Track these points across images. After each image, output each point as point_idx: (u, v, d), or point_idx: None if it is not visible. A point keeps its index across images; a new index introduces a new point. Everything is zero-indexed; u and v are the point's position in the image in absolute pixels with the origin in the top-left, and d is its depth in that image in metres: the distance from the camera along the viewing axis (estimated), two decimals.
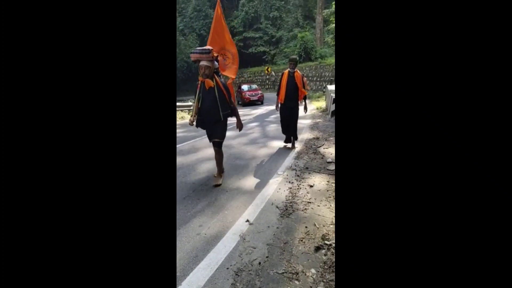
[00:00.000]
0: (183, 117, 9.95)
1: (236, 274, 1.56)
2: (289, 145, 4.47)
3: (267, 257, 1.70)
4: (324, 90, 13.16)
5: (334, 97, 7.27)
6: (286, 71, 4.14)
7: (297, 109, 4.26)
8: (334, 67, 15.37)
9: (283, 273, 1.56)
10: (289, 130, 4.34)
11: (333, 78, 15.30)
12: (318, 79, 16.70)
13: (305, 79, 10.96)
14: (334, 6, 11.71)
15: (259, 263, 1.65)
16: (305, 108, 4.55)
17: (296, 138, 4.51)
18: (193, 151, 4.49)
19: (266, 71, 21.34)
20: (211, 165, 3.69)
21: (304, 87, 4.14)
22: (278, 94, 4.23)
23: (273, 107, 12.01)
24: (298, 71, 4.15)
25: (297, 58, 4.24)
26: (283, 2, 24.28)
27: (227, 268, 1.61)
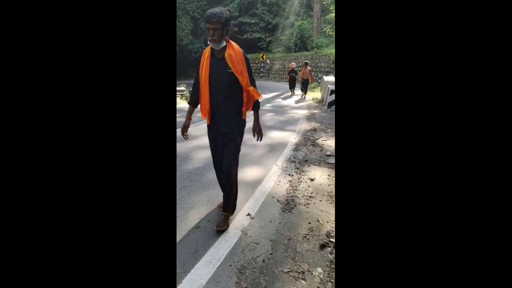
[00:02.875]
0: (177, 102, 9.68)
1: (240, 272, 1.49)
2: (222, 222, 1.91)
3: (271, 254, 1.64)
4: (319, 81, 13.04)
5: (331, 88, 7.19)
6: (207, 49, 1.73)
7: (236, 138, 1.83)
8: (330, 57, 15.21)
9: (288, 271, 1.50)
10: (221, 182, 1.99)
11: (329, 69, 15.18)
12: (314, 70, 16.53)
13: (308, 68, 9.91)
14: None
15: (263, 260, 1.58)
16: (258, 132, 1.89)
17: (230, 204, 1.92)
18: (189, 138, 4.33)
19: (261, 59, 20.97)
20: (208, 153, 3.56)
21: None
22: (191, 102, 1.93)
23: (267, 95, 11.98)
24: (234, 44, 1.72)
25: (226, 14, 1.61)
26: None
27: (230, 265, 1.54)
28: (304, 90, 10.35)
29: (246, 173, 2.92)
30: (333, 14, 11.98)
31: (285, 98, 10.31)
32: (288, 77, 10.97)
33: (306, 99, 9.91)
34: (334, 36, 14.56)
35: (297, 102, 9.44)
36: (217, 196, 2.38)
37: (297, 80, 10.97)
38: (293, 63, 11.44)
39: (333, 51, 15.43)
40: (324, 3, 16.85)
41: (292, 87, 11.12)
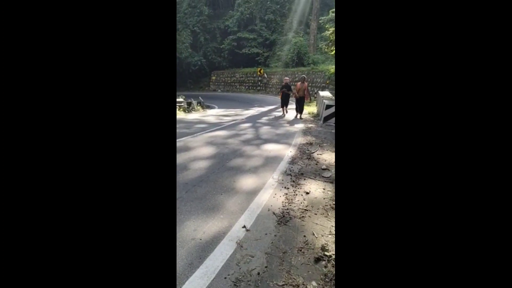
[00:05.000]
0: None
1: (235, 285, 1.48)
2: None
3: (266, 267, 1.64)
4: (315, 95, 13.26)
5: (326, 103, 7.33)
6: None
7: None
8: (325, 73, 15.55)
9: (283, 285, 1.49)
10: None
11: (324, 85, 15.49)
12: (310, 85, 16.86)
13: (305, 84, 8.21)
14: (330, 13, 11.84)
15: (258, 273, 1.58)
16: None
17: None
18: (185, 149, 4.36)
19: (259, 73, 21.33)
20: (205, 165, 3.58)
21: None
22: None
23: (264, 108, 11.87)
24: None
25: None
26: (278, 6, 24.37)
27: (225, 278, 1.53)
28: (299, 109, 8.48)
29: (242, 185, 2.93)
30: (329, 32, 12.28)
31: (276, 119, 8.53)
32: (281, 93, 9.03)
33: (301, 118, 8.37)
34: (330, 52, 14.77)
35: (291, 121, 7.97)
36: (213, 207, 2.38)
37: (291, 97, 9.15)
38: (287, 78, 9.82)
39: (329, 67, 15.81)
40: (320, 21, 17.40)
41: (284, 105, 9.10)
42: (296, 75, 17.47)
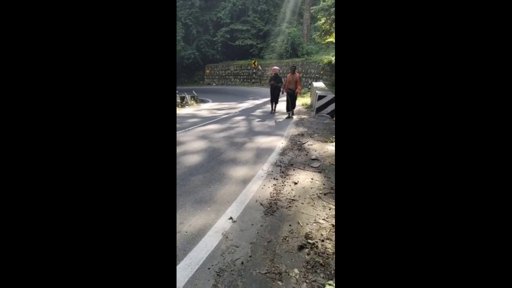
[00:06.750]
0: None
1: (218, 275, 1.50)
2: None
3: (250, 256, 1.66)
4: (309, 86, 13.21)
5: (318, 94, 7.32)
6: None
7: None
8: (319, 64, 15.46)
9: (266, 273, 1.52)
10: None
11: (318, 75, 15.42)
12: (304, 76, 16.79)
13: (297, 75, 7.73)
14: (321, 2, 11.66)
15: (242, 262, 1.60)
16: None
17: None
18: (176, 144, 4.35)
19: (253, 65, 21.16)
20: (195, 159, 3.59)
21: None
22: None
23: (259, 101, 11.84)
24: None
25: None
26: None
27: (208, 268, 1.55)
28: (291, 105, 7.13)
29: (231, 177, 2.94)
30: (321, 22, 12.11)
31: (263, 119, 7.09)
32: (270, 86, 7.72)
33: (292, 117, 7.11)
34: (323, 42, 14.58)
35: (284, 113, 7.44)
36: (201, 200, 2.39)
37: (281, 91, 7.65)
38: (276, 67, 8.12)
39: (322, 57, 15.71)
40: (311, 11, 17.21)
41: (274, 100, 7.72)
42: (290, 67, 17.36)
